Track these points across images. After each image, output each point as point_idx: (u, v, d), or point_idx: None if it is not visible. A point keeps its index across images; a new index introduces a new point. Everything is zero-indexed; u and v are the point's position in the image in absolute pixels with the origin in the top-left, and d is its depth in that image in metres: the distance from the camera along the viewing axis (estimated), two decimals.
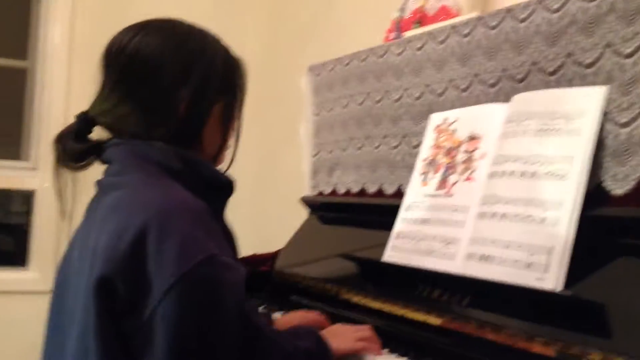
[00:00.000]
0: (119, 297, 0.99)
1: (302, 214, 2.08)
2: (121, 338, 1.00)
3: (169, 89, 1.15)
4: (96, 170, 1.19)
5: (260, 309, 1.69)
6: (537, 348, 1.09)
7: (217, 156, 1.24)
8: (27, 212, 3.09)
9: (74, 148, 1.16)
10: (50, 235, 2.87)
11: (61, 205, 1.17)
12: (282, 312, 1.64)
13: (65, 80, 2.98)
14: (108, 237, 1.02)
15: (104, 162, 1.17)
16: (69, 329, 1.08)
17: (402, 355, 1.28)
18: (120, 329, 1.00)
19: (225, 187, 1.18)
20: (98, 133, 1.19)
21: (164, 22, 1.21)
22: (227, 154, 1.26)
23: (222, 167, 1.24)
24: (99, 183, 1.16)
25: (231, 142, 1.25)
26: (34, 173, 3.02)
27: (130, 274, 0.99)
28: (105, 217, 1.07)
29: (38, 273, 2.90)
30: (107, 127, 1.18)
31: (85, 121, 1.17)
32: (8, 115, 3.28)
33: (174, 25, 1.20)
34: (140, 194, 1.06)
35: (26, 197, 3.14)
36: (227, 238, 1.13)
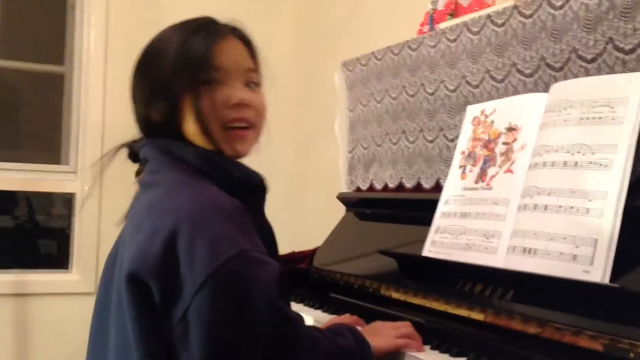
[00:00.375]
0: (153, 297, 1.00)
1: (340, 210, 2.07)
2: (162, 336, 1.01)
3: (142, 98, 1.22)
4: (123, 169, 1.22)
5: (302, 305, 1.69)
6: (584, 342, 1.06)
7: (217, 145, 1.16)
8: (69, 215, 3.13)
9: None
10: (90, 238, 2.91)
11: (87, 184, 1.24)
12: (321, 310, 1.63)
13: (102, 84, 3.02)
14: (143, 235, 1.04)
15: (143, 160, 1.21)
16: (113, 325, 1.09)
17: (446, 351, 1.26)
18: (158, 328, 1.01)
19: (257, 186, 1.17)
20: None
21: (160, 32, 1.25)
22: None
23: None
24: (141, 181, 1.19)
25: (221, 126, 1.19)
26: (73, 177, 3.06)
27: (163, 273, 1.00)
28: (142, 216, 1.09)
29: (80, 275, 2.94)
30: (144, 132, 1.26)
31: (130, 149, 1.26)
32: (48, 120, 3.33)
33: (154, 36, 1.24)
34: (173, 193, 1.08)
35: (67, 201, 3.18)
36: (267, 236, 1.12)
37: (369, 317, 1.46)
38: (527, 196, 1.28)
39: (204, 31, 1.19)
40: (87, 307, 1.20)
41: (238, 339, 0.99)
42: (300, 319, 1.07)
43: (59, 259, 3.23)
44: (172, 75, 1.17)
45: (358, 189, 2.06)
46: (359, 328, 1.29)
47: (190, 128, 1.17)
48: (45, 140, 3.37)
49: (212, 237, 1.00)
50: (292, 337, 1.04)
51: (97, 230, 2.89)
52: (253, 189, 1.16)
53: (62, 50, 3.20)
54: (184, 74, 1.16)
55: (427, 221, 1.53)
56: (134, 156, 1.25)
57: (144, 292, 1.01)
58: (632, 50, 1.20)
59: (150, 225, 1.04)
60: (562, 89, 1.30)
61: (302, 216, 3.08)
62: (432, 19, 1.97)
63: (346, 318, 1.48)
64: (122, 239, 1.16)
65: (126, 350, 1.04)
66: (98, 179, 1.24)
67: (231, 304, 0.98)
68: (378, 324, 1.35)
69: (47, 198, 3.48)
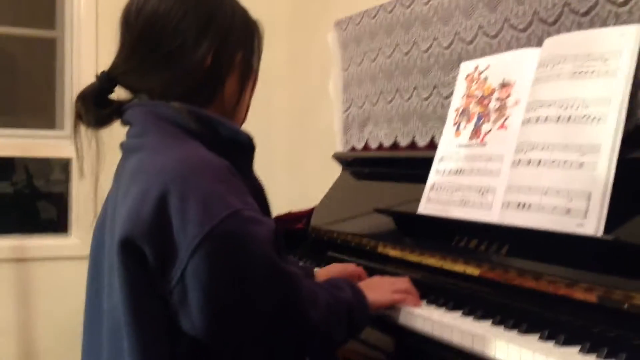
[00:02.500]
0: (148, 261, 1.00)
1: (337, 170, 2.08)
2: (155, 300, 1.01)
3: (189, 45, 1.14)
4: (122, 132, 1.19)
5: (300, 263, 1.70)
6: (578, 294, 1.08)
7: (234, 111, 1.21)
8: (67, 180, 3.13)
9: (97, 113, 1.17)
10: (88, 201, 2.91)
11: (80, 164, 1.19)
12: (319, 268, 1.65)
13: (94, 48, 2.99)
14: (132, 200, 1.03)
15: (124, 123, 1.18)
16: (108, 290, 1.10)
17: (442, 305, 1.27)
18: (154, 290, 1.01)
19: (245, 145, 1.16)
20: (118, 93, 1.20)
21: None
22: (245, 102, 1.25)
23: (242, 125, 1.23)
24: (122, 146, 1.16)
25: (246, 97, 1.24)
26: (69, 141, 3.04)
27: (156, 237, 1.00)
28: (129, 180, 1.08)
29: (79, 239, 2.95)
30: (128, 87, 1.18)
31: (107, 81, 1.18)
32: (42, 85, 3.31)
33: None
34: (160, 155, 1.06)
35: (64, 165, 3.18)
36: (257, 194, 1.12)
37: (367, 274, 1.48)
38: (520, 151, 1.28)
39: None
40: (86, 271, 1.21)
41: (237, 298, 1.00)
42: (298, 273, 1.08)
43: (58, 224, 3.25)
44: (243, 27, 1.21)
45: (353, 149, 2.07)
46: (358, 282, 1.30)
47: (231, 87, 1.19)
48: (41, 105, 3.35)
49: (204, 197, 0.99)
50: (291, 292, 1.05)
51: (94, 194, 2.89)
52: (241, 148, 1.15)
53: (54, 15, 3.17)
54: (251, 33, 1.22)
55: (422, 179, 1.54)
56: (110, 118, 1.19)
57: (137, 257, 1.01)
58: (625, 3, 1.19)
59: (139, 187, 1.03)
60: (555, 43, 1.29)
61: (300, 177, 3.09)
62: None
63: (349, 266, 1.50)
64: (108, 205, 1.15)
65: (117, 317, 1.05)
66: (93, 143, 1.21)
67: (228, 263, 0.99)
68: (376, 279, 1.37)
69: (45, 163, 3.48)
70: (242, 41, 1.20)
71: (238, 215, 1.00)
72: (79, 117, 1.18)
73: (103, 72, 1.18)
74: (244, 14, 1.22)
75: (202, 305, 0.99)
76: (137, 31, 1.15)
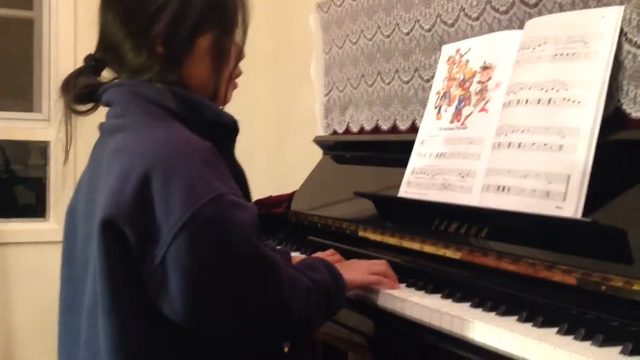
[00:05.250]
0: (129, 243, 0.99)
1: (319, 154, 2.07)
2: (135, 282, 1.00)
3: (145, 26, 1.10)
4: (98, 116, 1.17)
5: (278, 247, 1.70)
6: (557, 277, 1.08)
7: (216, 93, 1.17)
8: (45, 164, 3.10)
9: (80, 83, 1.14)
10: (66, 186, 2.89)
11: (67, 152, 1.17)
12: (299, 252, 1.64)
13: (72, 29, 2.95)
14: (113, 180, 1.01)
15: (104, 104, 1.15)
16: (82, 276, 1.08)
17: (421, 288, 1.27)
18: (134, 273, 1.00)
19: (228, 127, 1.15)
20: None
21: None
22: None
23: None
24: (102, 126, 1.14)
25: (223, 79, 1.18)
26: (47, 124, 3.02)
27: (138, 220, 0.98)
28: (110, 160, 1.06)
29: (57, 224, 2.93)
30: (111, 67, 1.16)
31: (93, 62, 1.16)
32: (19, 67, 3.27)
33: None
34: (143, 136, 1.04)
35: (43, 150, 3.14)
36: (238, 178, 1.11)
37: (347, 258, 1.47)
38: (501, 134, 1.28)
39: None
40: None
41: (218, 282, 0.99)
42: (278, 258, 1.08)
43: (36, 208, 3.22)
44: (208, 5, 1.13)
45: (335, 132, 2.06)
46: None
47: (199, 69, 1.14)
48: (18, 87, 3.31)
49: (187, 180, 0.98)
50: (272, 277, 1.04)
51: (73, 178, 2.86)
52: (224, 129, 1.14)
53: None
54: (224, 8, 1.15)
55: (403, 163, 1.54)
56: (89, 96, 1.16)
57: (118, 239, 0.99)
58: None
59: (122, 167, 1.02)
60: (537, 25, 1.29)
61: (282, 161, 3.08)
62: None
63: (328, 253, 1.49)
64: (82, 188, 1.14)
65: (94, 302, 1.03)
66: (69, 126, 1.18)
67: (210, 248, 0.98)
68: (354, 261, 1.37)
69: (23, 147, 3.44)
70: (206, 22, 1.13)
71: (221, 199, 0.99)
72: (66, 106, 1.15)
73: (89, 55, 1.17)
74: None
75: (183, 289, 0.97)
76: (105, 12, 1.14)
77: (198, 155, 1.02)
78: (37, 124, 3.02)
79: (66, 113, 1.16)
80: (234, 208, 1.01)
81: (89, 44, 1.19)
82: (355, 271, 1.26)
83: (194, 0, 1.12)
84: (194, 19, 1.12)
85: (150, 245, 0.98)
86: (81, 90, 1.15)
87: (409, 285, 1.30)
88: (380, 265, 1.31)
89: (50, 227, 2.94)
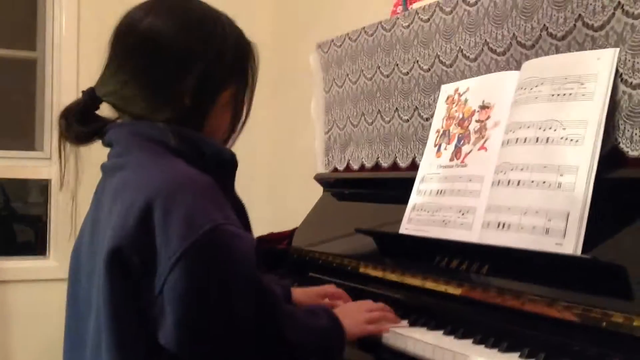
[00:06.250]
0: (132, 270, 1.00)
1: (319, 191, 2.08)
2: (137, 313, 1.01)
3: (175, 74, 1.13)
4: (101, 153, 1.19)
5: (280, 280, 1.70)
6: (558, 313, 1.09)
7: (227, 140, 1.23)
8: (45, 202, 3.11)
9: (78, 130, 1.16)
10: (66, 223, 2.90)
11: (62, 177, 1.18)
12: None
13: (75, 69, 2.99)
14: (116, 216, 1.03)
15: (106, 144, 1.17)
16: (86, 315, 1.09)
17: (423, 325, 1.28)
18: (137, 304, 1.01)
19: (228, 163, 1.17)
20: (104, 109, 1.19)
21: (176, 2, 1.19)
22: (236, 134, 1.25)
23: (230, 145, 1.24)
24: (104, 167, 1.16)
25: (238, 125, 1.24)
26: (48, 163, 3.04)
27: (140, 247, 1.00)
28: (112, 198, 1.08)
29: (57, 262, 2.93)
30: (113, 106, 1.18)
31: (92, 98, 1.17)
32: (21, 106, 3.29)
33: (187, 6, 1.18)
34: (144, 172, 1.07)
35: (43, 187, 3.16)
36: (238, 211, 1.12)
37: (348, 294, 1.48)
38: (500, 172, 1.30)
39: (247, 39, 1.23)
40: (65, 293, 1.21)
41: (214, 312, 1.00)
42: (278, 292, 1.08)
43: (36, 246, 3.22)
44: (234, 60, 1.19)
45: (335, 170, 2.08)
46: (334, 306, 1.30)
47: (218, 119, 1.18)
48: (20, 126, 3.33)
49: (187, 211, 1.00)
50: (270, 309, 1.05)
51: (73, 216, 2.87)
52: (224, 165, 1.16)
53: (34, 36, 3.17)
54: (244, 65, 1.21)
55: (404, 200, 1.55)
56: (92, 136, 1.18)
57: (122, 271, 1.00)
58: (601, 27, 1.22)
59: (124, 204, 1.04)
60: (534, 66, 1.32)
61: (282, 198, 3.09)
62: (406, 0, 1.98)
63: (329, 288, 1.50)
64: (86, 227, 1.15)
65: (100, 336, 1.04)
66: (73, 165, 1.20)
67: (207, 277, 0.99)
68: (353, 306, 1.36)
69: (23, 185, 3.45)
70: (231, 77, 1.19)
71: (219, 229, 1.01)
72: (62, 134, 1.17)
73: (89, 88, 1.18)
74: (237, 45, 1.20)
75: (179, 318, 0.98)
76: (125, 51, 1.15)
77: (198, 187, 1.04)
78: (39, 162, 3.04)
79: (61, 147, 1.17)
80: (232, 238, 1.02)
81: (92, 83, 1.20)
82: (354, 320, 1.25)
83: (223, 58, 1.17)
84: (223, 75, 1.17)
85: (151, 275, 0.99)
86: (85, 129, 1.17)
87: (411, 322, 1.31)
88: (379, 311, 1.31)
89: (51, 265, 2.95)
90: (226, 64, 1.17)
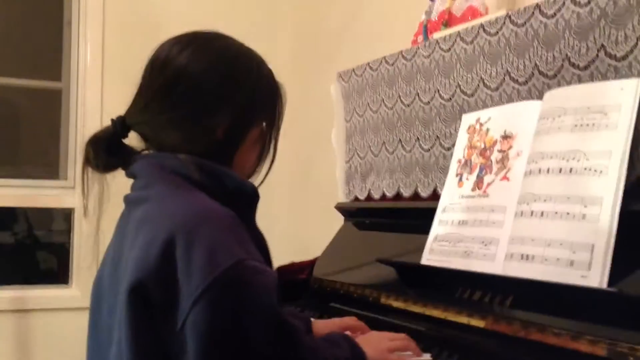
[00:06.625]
0: (154, 304, 1.00)
1: (339, 221, 2.08)
2: (158, 347, 1.01)
3: (209, 110, 1.15)
4: (126, 182, 1.20)
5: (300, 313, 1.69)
6: (584, 347, 1.07)
7: (252, 175, 1.24)
8: (68, 230, 3.14)
9: (105, 158, 1.17)
10: (89, 253, 2.92)
11: (85, 205, 1.19)
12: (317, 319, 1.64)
13: (99, 99, 3.03)
14: (138, 249, 1.04)
15: (129, 175, 1.18)
16: (108, 345, 1.09)
17: (446, 358, 1.27)
18: (158, 337, 1.00)
19: (249, 195, 1.17)
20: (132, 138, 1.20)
21: (212, 39, 1.21)
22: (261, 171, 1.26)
23: (254, 180, 1.25)
24: (127, 198, 1.16)
25: (266, 161, 1.26)
26: (72, 192, 3.07)
27: (162, 281, 1.00)
28: (135, 231, 1.08)
29: (79, 290, 2.94)
30: (143, 135, 1.19)
31: (122, 126, 1.18)
32: (46, 136, 3.34)
33: (223, 45, 1.21)
34: (167, 204, 1.07)
35: (67, 216, 3.19)
36: (259, 245, 1.12)
37: (369, 325, 1.47)
38: (523, 203, 1.29)
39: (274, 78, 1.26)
40: (87, 322, 1.21)
41: (237, 350, 0.99)
42: (300, 326, 1.08)
43: (59, 274, 3.24)
44: (265, 99, 1.22)
45: (356, 199, 2.07)
46: (355, 336, 1.29)
47: (247, 154, 1.20)
48: (44, 155, 3.37)
49: (209, 246, 1.00)
50: (292, 346, 1.04)
51: (96, 245, 2.89)
52: (246, 198, 1.16)
53: (60, 66, 3.22)
54: (274, 104, 1.24)
55: (425, 229, 1.54)
56: (117, 166, 1.19)
57: (144, 304, 1.00)
58: (624, 57, 1.21)
59: (146, 237, 1.04)
60: (556, 96, 1.31)
61: (302, 227, 3.09)
62: (426, 29, 1.99)
63: (350, 320, 1.48)
64: (108, 259, 1.15)
65: None
66: (97, 193, 1.21)
67: (230, 313, 0.99)
68: (375, 335, 1.35)
69: (46, 213, 3.48)
70: (262, 115, 1.22)
71: (241, 265, 1.00)
72: (87, 161, 1.18)
73: (119, 117, 1.18)
74: (268, 85, 1.23)
75: (201, 354, 0.98)
76: (160, 82, 1.16)
77: (220, 221, 1.04)
78: (63, 191, 3.08)
79: (85, 174, 1.18)
80: (254, 274, 1.02)
81: (116, 113, 1.20)
82: (377, 349, 1.24)
83: (256, 96, 1.19)
84: (254, 113, 1.19)
85: (173, 309, 0.99)
86: (112, 158, 1.18)
87: (433, 356, 1.30)
88: (401, 340, 1.30)
89: (73, 294, 2.96)
90: (258, 102, 1.20)
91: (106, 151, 1.17)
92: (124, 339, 1.02)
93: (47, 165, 3.27)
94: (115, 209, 1.19)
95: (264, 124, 1.22)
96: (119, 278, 1.07)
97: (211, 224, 1.03)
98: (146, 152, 1.20)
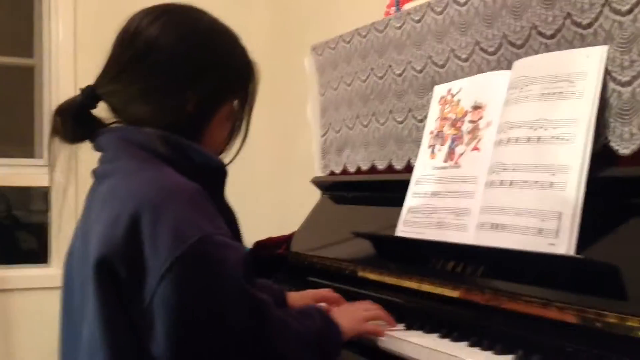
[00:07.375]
0: (121, 280, 1.00)
1: (317, 194, 2.08)
2: (127, 323, 1.01)
3: (180, 84, 1.14)
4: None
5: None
6: (553, 314, 1.09)
7: (222, 152, 1.24)
8: (47, 209, 3.12)
9: (73, 129, 1.15)
10: (69, 231, 2.90)
11: (51, 176, 1.18)
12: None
13: (72, 75, 2.99)
14: (103, 225, 1.03)
15: (96, 149, 1.17)
16: (80, 321, 1.09)
17: (419, 328, 1.28)
18: (126, 313, 1.01)
19: (216, 171, 1.16)
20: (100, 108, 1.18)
21: (186, 12, 1.19)
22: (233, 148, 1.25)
23: (225, 158, 1.24)
24: (94, 172, 1.16)
25: (237, 138, 1.25)
26: (48, 170, 3.04)
27: (128, 258, 0.99)
28: (100, 205, 1.08)
29: (60, 269, 2.93)
30: (112, 106, 1.17)
31: (91, 96, 1.16)
32: (20, 113, 3.30)
33: (197, 18, 1.19)
34: (132, 180, 1.06)
35: (45, 195, 3.16)
36: (228, 220, 1.12)
37: (347, 298, 1.48)
38: (493, 173, 1.30)
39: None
40: None
41: (204, 323, 1.00)
42: (269, 301, 1.08)
43: (38, 254, 3.22)
44: (237, 76, 1.21)
45: (332, 173, 2.08)
46: (331, 308, 1.30)
47: (217, 131, 1.19)
48: (19, 134, 3.34)
49: (175, 222, 0.99)
50: (260, 319, 1.05)
51: (75, 223, 2.88)
52: (213, 173, 1.15)
53: (32, 43, 3.17)
54: (246, 82, 1.22)
55: (400, 202, 1.55)
56: (84, 137, 1.17)
57: (111, 280, 1.00)
58: (590, 25, 1.21)
59: (111, 213, 1.03)
60: (524, 65, 1.32)
61: (281, 202, 3.09)
62: (398, 1, 1.98)
63: (324, 292, 1.49)
64: (78, 234, 1.15)
65: (93, 346, 1.04)
66: (74, 171, 1.20)
67: (196, 288, 0.99)
68: (350, 306, 1.36)
69: (25, 193, 3.46)
70: (233, 91, 1.21)
71: (208, 240, 1.00)
72: (55, 131, 1.16)
73: (89, 86, 1.16)
74: (241, 62, 1.22)
75: (169, 330, 0.98)
76: (130, 53, 1.14)
77: (186, 196, 1.04)
78: (38, 170, 3.05)
79: (51, 144, 1.17)
80: (221, 248, 1.02)
81: None
82: (351, 320, 1.25)
83: (228, 73, 1.18)
84: (225, 89, 1.19)
85: (140, 286, 0.99)
86: (80, 128, 1.16)
87: (407, 325, 1.31)
88: (374, 310, 1.31)
89: (53, 273, 2.94)
90: (230, 79, 1.19)
91: (74, 121, 1.16)
92: (94, 315, 1.02)
93: (23, 144, 3.24)
94: (89, 186, 1.18)
95: (236, 101, 1.21)
96: (87, 255, 1.06)
97: (177, 198, 1.02)
98: (114, 124, 1.18)
